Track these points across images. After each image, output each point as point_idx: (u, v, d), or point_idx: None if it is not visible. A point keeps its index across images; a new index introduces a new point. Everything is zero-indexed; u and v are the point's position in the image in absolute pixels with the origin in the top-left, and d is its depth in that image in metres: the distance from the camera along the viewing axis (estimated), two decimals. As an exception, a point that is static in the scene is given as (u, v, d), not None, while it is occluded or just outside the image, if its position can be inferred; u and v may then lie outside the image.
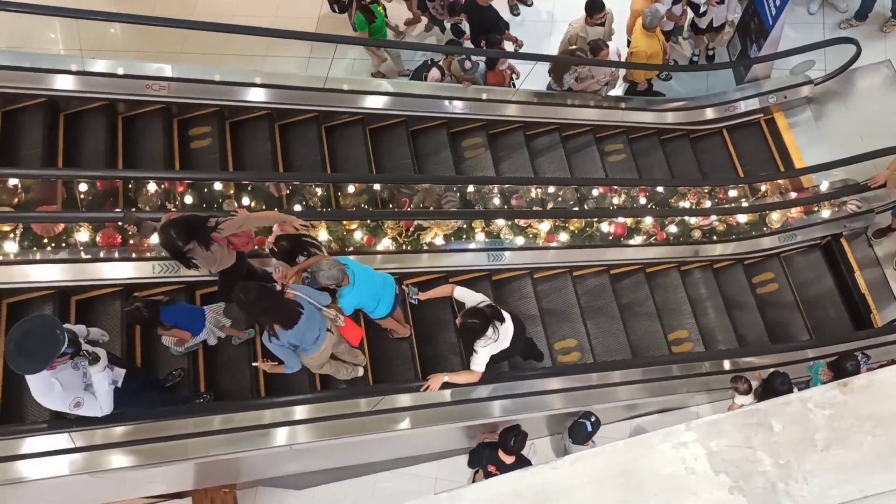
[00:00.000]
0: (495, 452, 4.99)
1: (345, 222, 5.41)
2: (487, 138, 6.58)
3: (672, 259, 6.45)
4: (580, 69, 6.39)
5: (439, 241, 5.73)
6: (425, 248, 5.66)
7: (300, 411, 4.55)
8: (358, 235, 5.41)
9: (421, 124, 6.49)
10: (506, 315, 4.37)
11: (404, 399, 4.78)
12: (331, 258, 4.26)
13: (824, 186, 6.47)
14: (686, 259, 6.49)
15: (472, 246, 5.82)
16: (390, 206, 5.85)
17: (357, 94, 6.19)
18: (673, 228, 6.39)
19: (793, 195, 6.52)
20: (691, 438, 1.62)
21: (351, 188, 5.74)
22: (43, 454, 4.00)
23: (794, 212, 6.46)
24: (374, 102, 6.20)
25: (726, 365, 5.89)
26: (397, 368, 5.31)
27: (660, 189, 6.49)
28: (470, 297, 4.37)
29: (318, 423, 4.58)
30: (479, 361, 4.23)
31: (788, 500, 1.54)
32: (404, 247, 5.62)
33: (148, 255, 4.77)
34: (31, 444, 4.00)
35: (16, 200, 4.80)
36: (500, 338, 4.24)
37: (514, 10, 8.12)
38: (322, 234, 5.28)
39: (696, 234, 6.41)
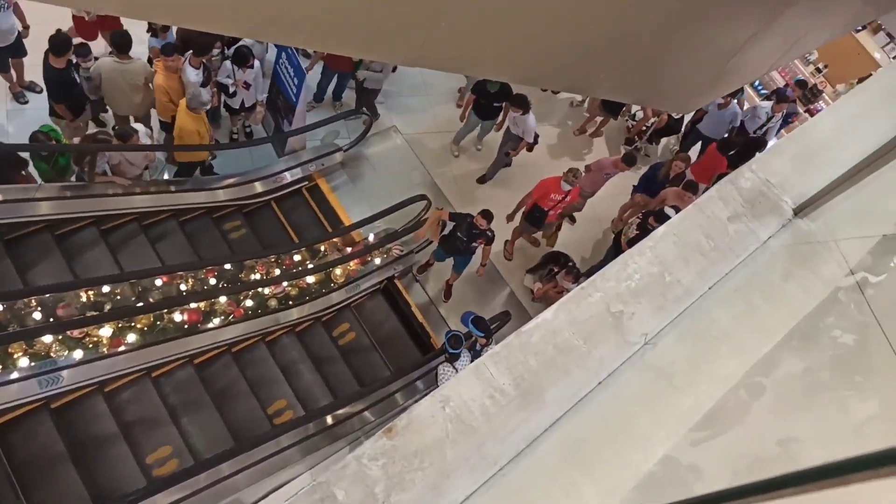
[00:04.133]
0: None
1: None
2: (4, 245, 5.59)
3: (255, 332, 6.40)
4: (109, 155, 5.93)
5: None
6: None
7: None
8: None
9: None
10: None
11: None
12: None
13: (371, 238, 7.31)
14: (269, 329, 6.52)
15: (15, 375, 4.79)
16: None
17: None
18: (249, 302, 6.36)
19: (348, 250, 7.17)
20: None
21: None
22: None
23: (353, 265, 7.11)
24: None
25: (329, 420, 6.13)
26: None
27: (228, 266, 6.41)
28: None
29: None
30: None
31: (361, 565, 1.58)
32: None
33: None
34: None
35: None
36: None
37: (19, 99, 7.15)
38: None
39: (273, 302, 6.51)
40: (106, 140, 5.85)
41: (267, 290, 6.48)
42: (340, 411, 6.14)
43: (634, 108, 9.43)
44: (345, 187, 7.88)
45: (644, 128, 9.39)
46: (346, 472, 1.70)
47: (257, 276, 6.52)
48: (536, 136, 7.92)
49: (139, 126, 6.17)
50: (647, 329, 2.20)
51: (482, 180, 8.55)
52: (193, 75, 6.42)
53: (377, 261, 7.30)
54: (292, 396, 6.31)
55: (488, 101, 7.84)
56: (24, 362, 4.88)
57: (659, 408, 2.15)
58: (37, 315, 5.18)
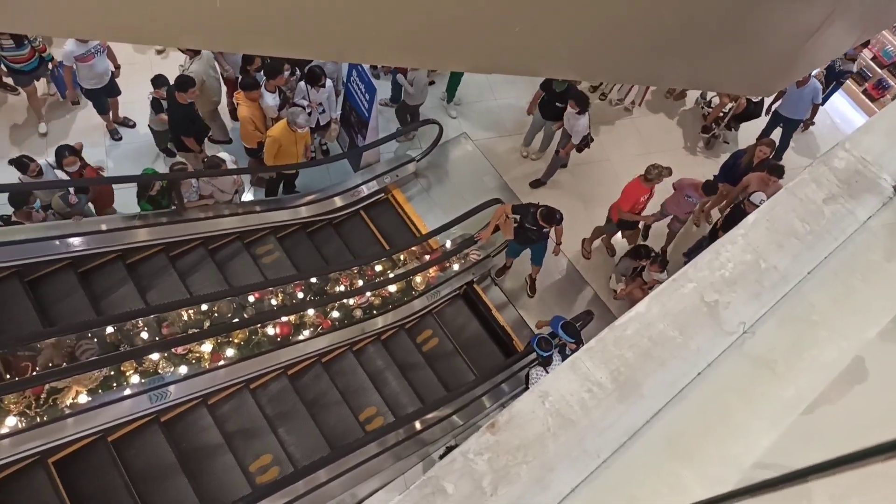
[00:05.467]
0: None
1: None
2: (126, 269, 6.06)
3: (343, 342, 6.62)
4: (200, 186, 6.30)
5: (84, 398, 4.93)
6: (67, 411, 4.82)
7: None
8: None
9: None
10: None
11: None
12: None
13: (449, 245, 7.41)
14: (355, 338, 6.72)
15: (127, 392, 5.16)
16: (6, 376, 4.83)
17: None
18: (336, 314, 6.59)
19: (427, 258, 7.30)
20: (377, 533, 1.61)
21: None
22: None
23: (432, 272, 7.23)
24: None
25: (418, 425, 6.26)
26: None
27: (313, 280, 6.66)
28: None
29: None
30: None
31: (474, 557, 1.64)
32: (39, 419, 4.69)
33: None
34: None
35: None
36: None
37: (114, 136, 7.70)
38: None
39: (358, 312, 6.71)
40: (183, 170, 6.25)
41: (352, 301, 6.68)
42: (430, 416, 6.24)
43: (710, 94, 9.15)
44: (420, 196, 8.03)
45: (721, 114, 9.09)
46: (454, 467, 1.77)
47: (342, 288, 6.73)
48: (588, 140, 7.81)
49: (225, 155, 6.51)
50: (744, 317, 2.16)
51: (536, 185, 8.48)
52: (271, 100, 6.74)
53: (455, 267, 7.39)
54: (382, 403, 6.47)
55: (552, 99, 7.81)
56: (135, 379, 5.24)
57: (761, 397, 2.11)
58: (144, 335, 5.56)
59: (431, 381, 6.89)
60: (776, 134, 8.68)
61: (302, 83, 7.20)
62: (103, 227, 5.99)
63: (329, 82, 7.29)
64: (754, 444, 2.01)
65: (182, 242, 6.42)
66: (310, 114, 7.39)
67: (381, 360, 6.90)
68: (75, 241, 5.80)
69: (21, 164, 5.60)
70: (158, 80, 6.65)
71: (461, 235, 7.54)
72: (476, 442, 1.83)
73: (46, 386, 4.78)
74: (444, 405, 6.38)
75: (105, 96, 7.28)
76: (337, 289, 6.74)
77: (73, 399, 4.86)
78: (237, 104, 6.84)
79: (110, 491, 4.94)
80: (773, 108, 8.84)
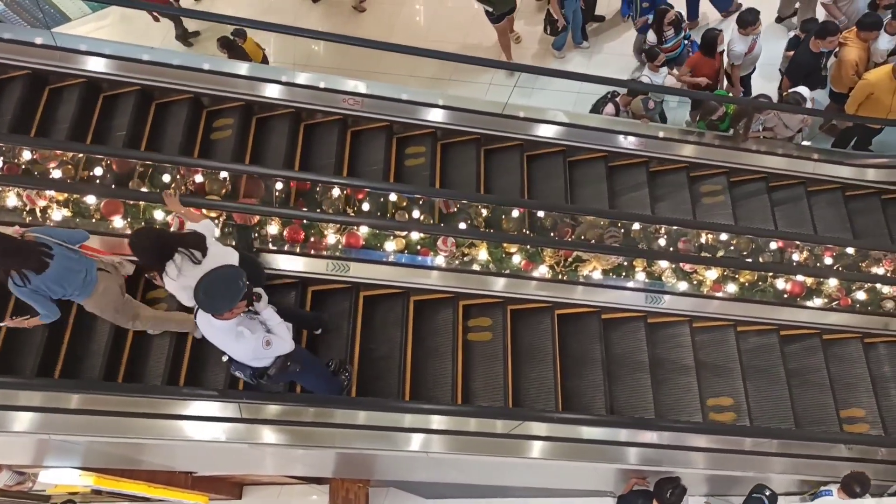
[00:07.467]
0: (649, 503, 4.74)
1: (505, 245, 5.50)
2: (688, 181, 6.43)
3: (855, 329, 5.84)
4: (766, 117, 6.06)
5: (597, 275, 5.64)
6: (581, 280, 5.60)
7: (437, 421, 4.68)
8: (516, 259, 5.48)
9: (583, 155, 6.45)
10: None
11: (541, 428, 4.79)
12: None
13: None
14: (872, 331, 5.85)
15: (631, 285, 5.65)
16: (551, 234, 5.85)
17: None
18: (861, 295, 5.79)
19: None
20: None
21: (515, 212, 5.82)
22: (212, 419, 4.44)
23: None
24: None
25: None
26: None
27: (850, 250, 5.91)
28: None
29: (454, 436, 4.70)
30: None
31: None
32: (560, 276, 5.60)
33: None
34: (204, 408, 4.43)
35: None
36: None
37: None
38: (481, 254, 5.41)
39: (889, 304, 5.76)
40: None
41: (887, 290, 5.75)
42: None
43: None
44: None
45: None
46: None
47: (880, 270, 5.82)
48: None
49: (805, 91, 6.04)
50: None
51: None
52: (885, 42, 5.85)
53: None
54: (874, 411, 5.60)
55: None
56: (640, 276, 5.69)
57: None
58: (662, 241, 5.92)
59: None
60: None
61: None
62: (661, 135, 6.42)
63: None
64: None
65: (738, 170, 6.43)
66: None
67: (892, 367, 5.87)
68: (631, 140, 6.35)
69: (651, 53, 6.43)
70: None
71: None
72: None
73: (575, 253, 5.61)
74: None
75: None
76: (874, 270, 5.86)
77: (589, 271, 5.61)
78: (842, 43, 6.13)
79: (587, 357, 5.59)
80: None
